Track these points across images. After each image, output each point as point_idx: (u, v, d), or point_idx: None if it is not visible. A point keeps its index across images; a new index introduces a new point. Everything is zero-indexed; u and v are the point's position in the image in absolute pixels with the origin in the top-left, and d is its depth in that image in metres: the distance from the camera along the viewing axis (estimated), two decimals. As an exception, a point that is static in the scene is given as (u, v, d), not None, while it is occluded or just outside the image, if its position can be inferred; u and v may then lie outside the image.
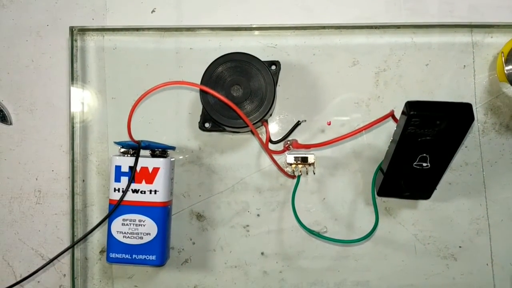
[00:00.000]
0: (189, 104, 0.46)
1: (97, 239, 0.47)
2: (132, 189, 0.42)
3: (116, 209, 0.42)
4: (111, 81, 0.47)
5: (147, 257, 0.42)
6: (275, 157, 0.44)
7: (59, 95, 0.47)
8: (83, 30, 0.47)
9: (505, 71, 0.43)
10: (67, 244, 0.47)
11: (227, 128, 0.44)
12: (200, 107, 0.43)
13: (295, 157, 0.44)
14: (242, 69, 0.42)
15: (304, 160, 0.44)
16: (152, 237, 0.42)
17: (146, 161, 0.42)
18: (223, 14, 0.47)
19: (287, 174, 0.45)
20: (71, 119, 0.46)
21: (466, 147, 0.45)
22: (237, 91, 0.42)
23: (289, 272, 0.46)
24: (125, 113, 0.47)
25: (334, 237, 0.44)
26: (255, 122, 0.42)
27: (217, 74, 0.42)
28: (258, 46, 0.46)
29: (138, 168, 0.42)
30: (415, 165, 0.38)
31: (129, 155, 0.43)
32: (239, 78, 0.42)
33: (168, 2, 0.48)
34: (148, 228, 0.42)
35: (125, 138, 0.46)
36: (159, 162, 0.42)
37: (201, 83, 0.42)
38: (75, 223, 0.46)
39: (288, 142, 0.44)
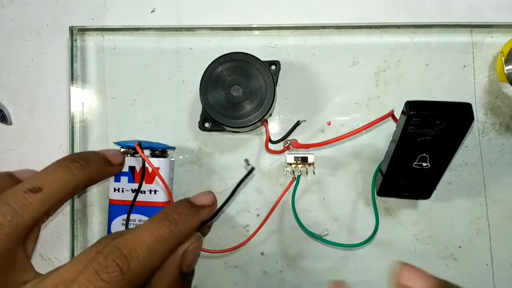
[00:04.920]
0: (189, 104, 0.46)
1: (97, 239, 0.47)
2: (132, 189, 0.42)
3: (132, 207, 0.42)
4: (111, 81, 0.47)
5: (147, 257, 0.42)
6: (275, 156, 0.43)
7: (59, 95, 0.47)
8: (83, 30, 0.47)
9: (505, 71, 0.43)
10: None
11: (227, 128, 0.44)
12: (200, 107, 0.43)
13: (295, 157, 0.44)
14: (242, 69, 0.42)
15: (304, 160, 0.44)
16: (152, 237, 0.42)
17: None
18: (223, 14, 0.47)
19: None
20: (71, 119, 0.46)
21: (466, 147, 0.45)
22: (237, 91, 0.42)
23: (289, 272, 0.46)
24: (125, 113, 0.47)
25: (335, 238, 0.44)
26: (255, 122, 0.42)
27: (217, 74, 0.42)
28: (258, 46, 0.46)
29: (138, 168, 0.42)
30: (415, 165, 0.38)
31: (129, 155, 0.43)
32: (239, 78, 0.42)
33: (168, 2, 0.48)
34: (148, 228, 0.42)
35: (125, 138, 0.46)
36: (159, 162, 0.42)
37: (201, 82, 0.42)
38: (75, 223, 0.46)
39: (288, 142, 0.44)
